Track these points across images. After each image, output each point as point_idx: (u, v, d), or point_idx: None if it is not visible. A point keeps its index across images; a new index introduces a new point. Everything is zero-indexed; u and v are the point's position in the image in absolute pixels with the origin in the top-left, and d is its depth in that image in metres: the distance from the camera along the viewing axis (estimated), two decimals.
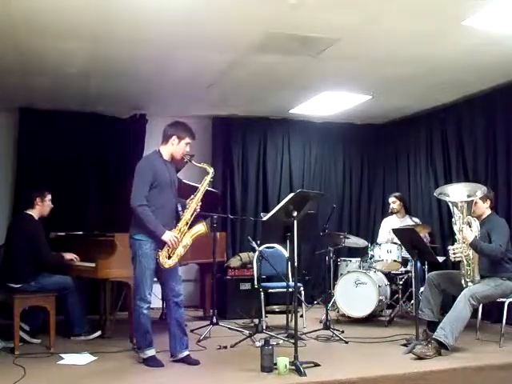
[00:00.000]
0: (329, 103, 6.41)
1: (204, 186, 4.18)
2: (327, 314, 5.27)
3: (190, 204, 4.11)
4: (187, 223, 4.08)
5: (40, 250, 4.81)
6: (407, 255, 5.56)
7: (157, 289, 4.46)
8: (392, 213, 6.57)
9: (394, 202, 6.54)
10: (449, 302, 4.71)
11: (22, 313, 4.57)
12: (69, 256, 4.97)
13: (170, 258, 3.99)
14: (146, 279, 4.00)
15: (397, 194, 6.69)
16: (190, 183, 4.97)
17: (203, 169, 4.22)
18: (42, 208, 5.03)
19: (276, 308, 6.47)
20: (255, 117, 7.16)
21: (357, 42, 4.47)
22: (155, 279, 4.12)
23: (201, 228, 4.15)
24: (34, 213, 4.99)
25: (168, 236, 3.94)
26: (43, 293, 4.67)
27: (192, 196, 4.14)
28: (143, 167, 4.06)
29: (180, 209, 4.13)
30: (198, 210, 4.15)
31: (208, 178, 4.19)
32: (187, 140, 4.12)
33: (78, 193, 6.55)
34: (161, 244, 3.97)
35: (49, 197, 5.08)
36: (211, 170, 4.22)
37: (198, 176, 5.50)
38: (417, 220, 6.47)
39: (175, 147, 4.11)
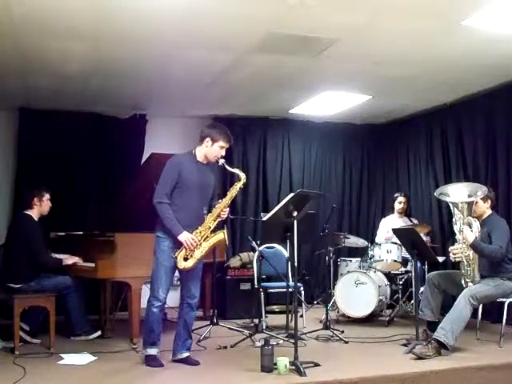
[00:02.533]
0: (329, 103, 6.41)
1: (233, 192, 4.10)
2: (327, 314, 5.27)
3: (214, 209, 4.05)
4: (209, 227, 4.01)
5: (35, 251, 4.78)
6: (407, 255, 5.55)
7: None
8: (399, 212, 6.55)
9: (404, 202, 6.51)
10: (449, 302, 4.70)
11: (22, 313, 4.55)
12: (70, 260, 4.90)
13: (187, 259, 3.95)
14: (161, 276, 3.97)
15: (404, 193, 6.67)
16: None
17: (236, 174, 4.13)
18: (40, 208, 4.99)
19: (276, 308, 6.46)
20: (255, 117, 7.15)
21: (357, 42, 4.47)
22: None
23: (220, 237, 4.04)
24: (33, 213, 4.96)
25: (184, 237, 3.90)
26: (43, 293, 4.66)
27: (219, 200, 4.10)
28: (169, 166, 4.03)
29: (205, 212, 4.05)
30: (224, 217, 4.07)
31: (239, 184, 4.10)
32: (221, 143, 4.04)
33: (77, 193, 6.55)
34: (179, 243, 3.93)
35: (47, 196, 5.03)
36: (243, 176, 4.11)
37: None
38: (415, 220, 6.47)
39: (208, 149, 4.05)
